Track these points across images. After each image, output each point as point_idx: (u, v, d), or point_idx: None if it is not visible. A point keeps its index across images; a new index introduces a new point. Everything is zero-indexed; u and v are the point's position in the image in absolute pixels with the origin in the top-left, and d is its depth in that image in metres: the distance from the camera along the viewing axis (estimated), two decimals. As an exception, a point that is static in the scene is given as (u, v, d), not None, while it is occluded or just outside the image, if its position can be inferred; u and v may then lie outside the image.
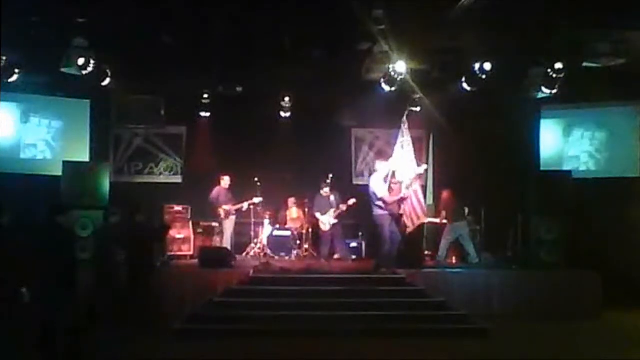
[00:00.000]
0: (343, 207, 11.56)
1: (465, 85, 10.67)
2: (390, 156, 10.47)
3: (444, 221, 11.18)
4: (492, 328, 8.23)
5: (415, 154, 10.56)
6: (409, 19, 8.71)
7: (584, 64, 9.61)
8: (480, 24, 8.77)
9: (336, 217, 11.70)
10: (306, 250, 12.26)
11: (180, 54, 9.97)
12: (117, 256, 8.53)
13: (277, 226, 12.36)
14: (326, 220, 11.69)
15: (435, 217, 11.50)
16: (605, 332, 8.75)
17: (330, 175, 11.80)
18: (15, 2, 8.05)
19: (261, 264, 10.41)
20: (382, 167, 10.07)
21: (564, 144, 12.42)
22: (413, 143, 10.55)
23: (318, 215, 11.78)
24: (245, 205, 11.82)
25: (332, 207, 11.68)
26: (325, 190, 11.74)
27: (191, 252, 11.80)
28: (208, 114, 12.93)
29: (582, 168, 12.03)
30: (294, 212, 12.74)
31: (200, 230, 12.20)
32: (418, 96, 11.70)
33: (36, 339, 6.35)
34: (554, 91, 10.34)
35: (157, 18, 8.95)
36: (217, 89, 11.94)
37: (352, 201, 11.51)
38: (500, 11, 8.38)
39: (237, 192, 11.99)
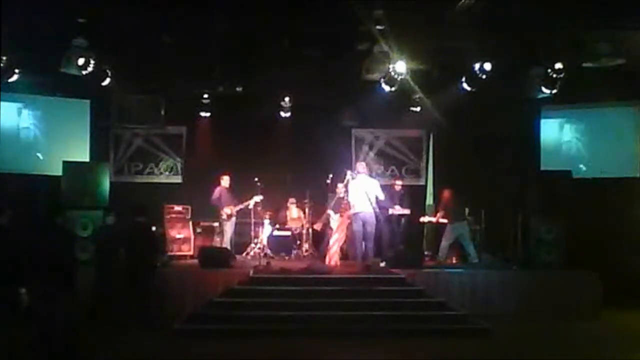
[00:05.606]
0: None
1: (465, 85, 10.69)
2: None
3: (443, 220, 11.17)
4: (492, 328, 8.24)
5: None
6: (409, 19, 8.72)
7: (584, 64, 9.62)
8: (480, 24, 8.77)
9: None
10: (306, 250, 12.23)
11: (180, 54, 9.98)
12: (117, 256, 8.52)
13: (277, 226, 12.35)
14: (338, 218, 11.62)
15: (435, 216, 11.49)
16: (605, 332, 8.74)
17: (331, 175, 11.78)
18: (16, 2, 8.05)
19: (261, 264, 10.40)
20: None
21: (564, 144, 12.43)
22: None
23: (331, 213, 11.70)
24: (251, 203, 11.57)
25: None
26: (342, 190, 11.70)
27: (191, 252, 11.78)
28: (208, 114, 12.92)
29: (582, 168, 12.03)
30: (294, 212, 12.73)
31: (200, 230, 12.17)
32: (418, 96, 11.70)
33: (36, 339, 6.34)
34: (554, 91, 10.35)
35: (157, 18, 8.95)
36: (217, 89, 11.92)
37: None
38: (500, 11, 8.39)
39: (237, 192, 11.95)
